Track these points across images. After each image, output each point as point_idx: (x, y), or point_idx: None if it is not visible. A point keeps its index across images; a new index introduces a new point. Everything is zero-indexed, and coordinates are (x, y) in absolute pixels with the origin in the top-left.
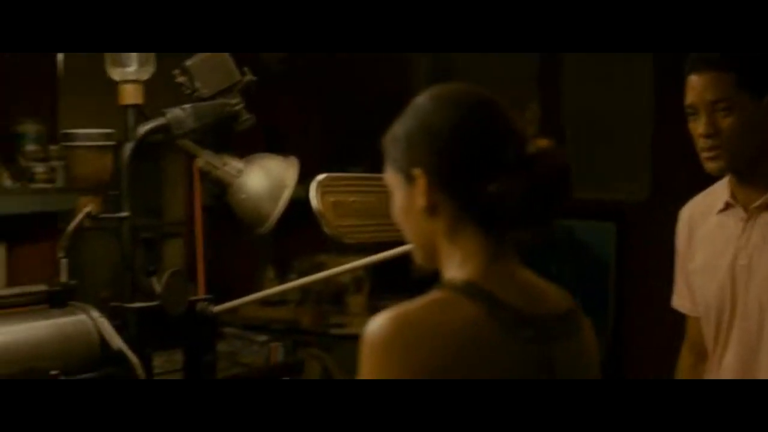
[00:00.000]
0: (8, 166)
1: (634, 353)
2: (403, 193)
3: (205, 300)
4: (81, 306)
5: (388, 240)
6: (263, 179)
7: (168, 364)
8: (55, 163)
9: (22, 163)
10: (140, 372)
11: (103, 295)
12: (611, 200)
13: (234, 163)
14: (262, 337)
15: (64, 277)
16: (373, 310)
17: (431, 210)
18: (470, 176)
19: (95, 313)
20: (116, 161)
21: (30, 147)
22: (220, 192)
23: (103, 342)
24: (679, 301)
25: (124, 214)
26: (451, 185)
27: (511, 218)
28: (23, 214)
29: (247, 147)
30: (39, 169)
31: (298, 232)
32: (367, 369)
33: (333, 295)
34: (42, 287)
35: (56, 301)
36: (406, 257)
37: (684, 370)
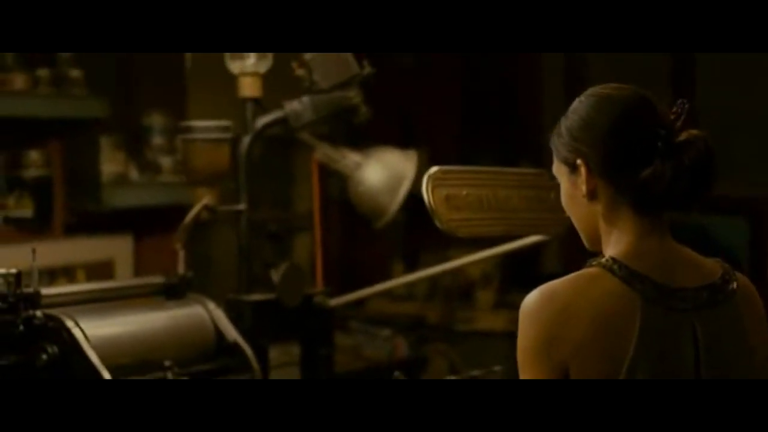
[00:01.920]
0: (135, 158)
1: None
2: (568, 182)
3: (322, 293)
4: (197, 297)
5: (502, 234)
6: (382, 172)
7: (284, 356)
8: (181, 156)
9: (149, 155)
10: (254, 364)
11: (225, 288)
12: (742, 195)
13: (352, 156)
14: (386, 332)
15: (181, 269)
16: (501, 305)
17: (591, 195)
18: (625, 164)
19: (211, 305)
20: (235, 154)
21: (157, 140)
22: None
23: (219, 333)
24: None
25: (242, 206)
26: (608, 173)
27: (661, 200)
28: (150, 206)
29: (380, 140)
30: (165, 161)
31: (429, 226)
32: (519, 337)
33: (461, 290)
34: (159, 279)
35: (173, 292)
36: (535, 251)
37: None
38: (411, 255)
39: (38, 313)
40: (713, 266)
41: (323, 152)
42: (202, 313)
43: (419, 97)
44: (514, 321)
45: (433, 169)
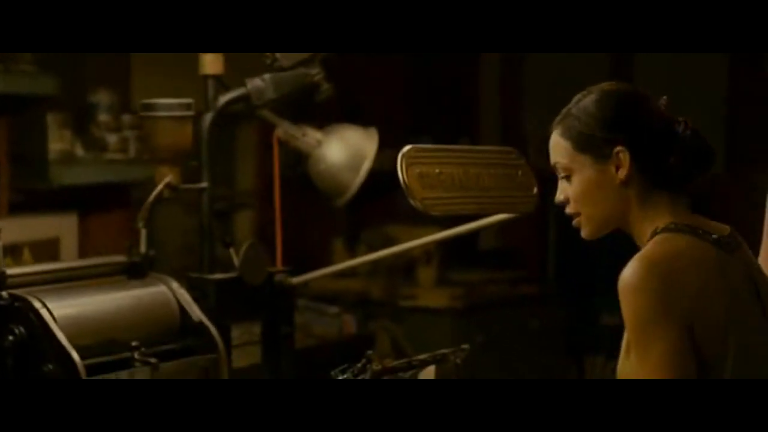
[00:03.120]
0: (81, 136)
1: None
2: (592, 171)
3: (283, 271)
4: (160, 277)
5: (474, 212)
6: (343, 150)
7: (246, 335)
8: (127, 134)
9: (95, 133)
10: (220, 343)
11: (174, 266)
12: None
13: (313, 134)
14: (334, 309)
15: (143, 248)
16: (442, 282)
17: (626, 182)
18: (658, 151)
19: (175, 285)
20: (196, 132)
21: (103, 117)
22: (294, 163)
23: (183, 313)
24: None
25: (204, 184)
26: (646, 158)
27: (687, 179)
28: (95, 184)
29: (325, 118)
30: (112, 139)
31: (369, 204)
32: (633, 312)
33: (403, 267)
34: (121, 258)
35: (136, 271)
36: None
37: None
38: (351, 232)
39: (4, 293)
40: (717, 223)
41: (284, 130)
42: (166, 292)
43: (365, 79)
44: (456, 298)
45: (407, 147)
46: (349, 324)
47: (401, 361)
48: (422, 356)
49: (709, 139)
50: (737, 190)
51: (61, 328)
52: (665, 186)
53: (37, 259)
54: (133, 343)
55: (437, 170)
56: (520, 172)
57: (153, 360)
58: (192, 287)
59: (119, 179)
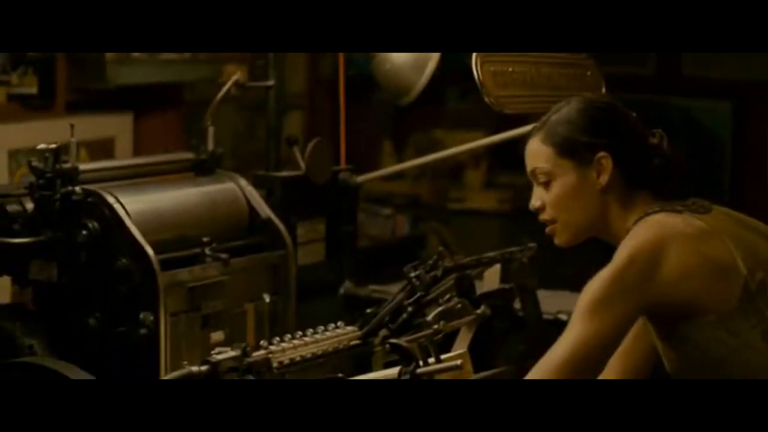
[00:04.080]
0: None
1: None
2: (574, 176)
3: (347, 170)
4: (229, 174)
5: (543, 111)
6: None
7: (311, 233)
8: None
9: None
10: (288, 240)
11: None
12: (727, 78)
13: None
14: (387, 210)
15: (210, 145)
16: (490, 185)
17: (606, 187)
18: (638, 157)
19: (243, 182)
20: None
21: None
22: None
23: (251, 210)
24: None
25: (271, 82)
26: (626, 165)
27: (660, 183)
28: (150, 84)
29: None
30: None
31: (416, 107)
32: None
33: (450, 170)
34: (189, 155)
35: (204, 169)
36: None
37: None
38: (399, 135)
39: (77, 188)
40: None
41: None
42: (235, 189)
43: None
44: (504, 201)
45: None
46: (402, 225)
47: (471, 258)
48: (491, 254)
49: None
50: None
51: (134, 223)
52: (644, 188)
53: (93, 158)
54: (204, 239)
55: (510, 69)
56: (589, 73)
57: (224, 255)
58: (258, 185)
59: (174, 79)
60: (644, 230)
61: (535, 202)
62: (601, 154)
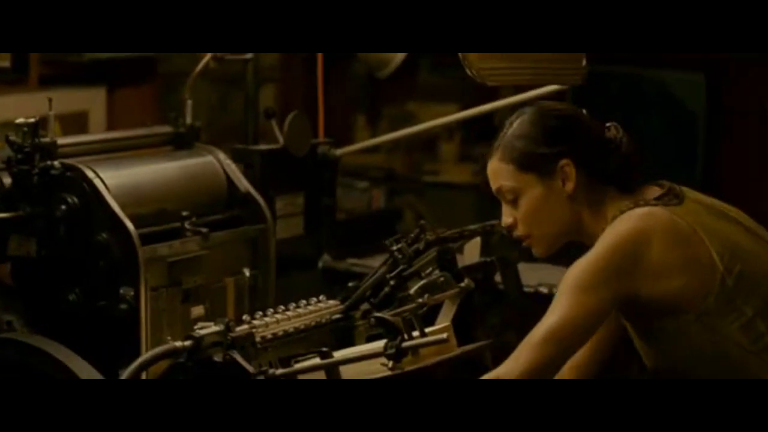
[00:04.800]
0: None
1: None
2: (540, 189)
3: (326, 143)
4: (207, 148)
5: (527, 83)
6: None
7: (290, 207)
8: None
9: None
10: (267, 214)
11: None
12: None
13: None
14: (363, 184)
15: (189, 119)
16: (464, 158)
17: (573, 193)
18: (599, 157)
19: (221, 155)
20: None
21: None
22: None
23: (230, 184)
24: None
25: (250, 55)
26: (591, 166)
27: (625, 176)
28: (123, 57)
29: None
30: None
31: (390, 80)
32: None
33: (424, 142)
34: (168, 129)
35: (182, 142)
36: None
37: None
38: (373, 108)
39: (56, 163)
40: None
41: None
42: (213, 162)
43: None
44: (478, 173)
45: None
46: (378, 198)
47: (453, 231)
48: (472, 227)
49: None
50: None
51: (114, 198)
52: (610, 185)
53: (66, 132)
54: (184, 213)
55: None
56: None
57: (204, 230)
58: (237, 159)
59: (146, 53)
60: (627, 223)
61: (506, 220)
62: (563, 161)
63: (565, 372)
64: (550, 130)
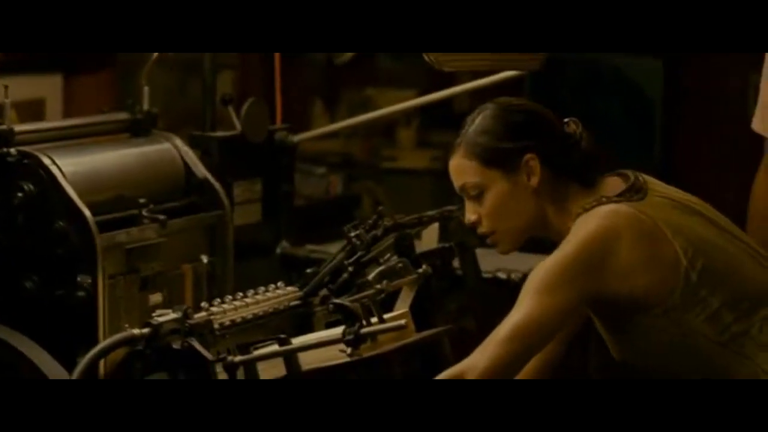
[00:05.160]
0: None
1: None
2: (504, 184)
3: (284, 129)
4: (164, 135)
5: (486, 69)
6: None
7: (247, 193)
8: None
9: None
10: (225, 200)
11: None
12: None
13: None
14: (321, 170)
15: (146, 105)
16: (423, 144)
17: (538, 188)
18: (562, 151)
19: (179, 142)
20: None
21: None
22: None
23: (188, 171)
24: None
25: None
26: (555, 161)
27: (587, 170)
28: None
29: None
30: None
31: (348, 65)
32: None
33: (382, 128)
34: (125, 115)
35: (139, 129)
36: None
37: (761, 195)
38: (330, 94)
39: (12, 150)
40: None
41: None
42: (171, 149)
43: None
44: (436, 159)
45: None
46: (335, 184)
47: (411, 217)
48: (430, 213)
49: None
50: None
51: (71, 185)
52: (573, 179)
53: (22, 120)
54: (141, 200)
55: None
56: None
57: (162, 217)
58: (194, 146)
59: None
60: (592, 222)
61: (471, 216)
62: (528, 156)
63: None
64: (513, 125)
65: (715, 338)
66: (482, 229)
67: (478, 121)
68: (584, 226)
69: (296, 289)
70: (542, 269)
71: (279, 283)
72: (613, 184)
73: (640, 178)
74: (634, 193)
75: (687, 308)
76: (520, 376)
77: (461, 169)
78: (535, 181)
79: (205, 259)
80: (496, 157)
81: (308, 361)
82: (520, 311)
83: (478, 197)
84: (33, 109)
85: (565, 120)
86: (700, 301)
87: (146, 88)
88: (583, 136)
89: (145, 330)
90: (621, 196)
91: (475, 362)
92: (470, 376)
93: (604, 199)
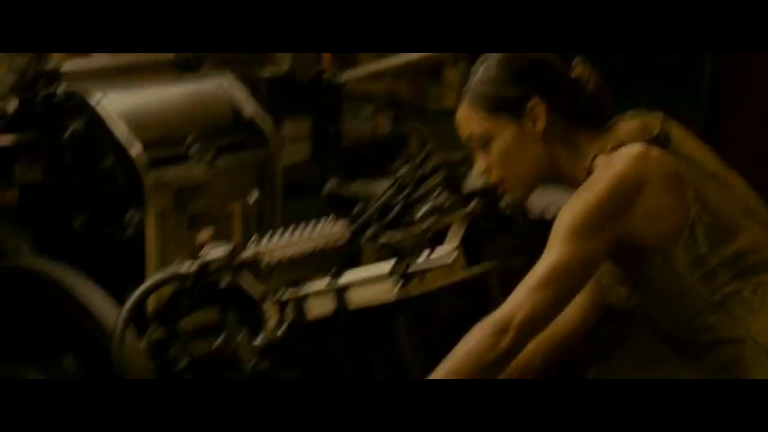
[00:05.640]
0: None
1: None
2: (511, 131)
3: (331, 68)
4: (213, 73)
5: None
6: None
7: (296, 131)
8: None
9: None
10: (273, 138)
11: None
12: None
13: None
14: (368, 109)
15: None
16: None
17: (545, 133)
18: (569, 93)
19: (227, 80)
20: None
21: None
22: None
23: (235, 109)
24: None
25: None
26: (562, 105)
27: (598, 111)
28: None
29: None
30: None
31: None
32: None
33: (430, 68)
34: (171, 54)
35: (188, 67)
36: None
37: None
38: None
39: (59, 89)
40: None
41: None
42: (219, 87)
43: None
44: None
45: None
46: (384, 124)
47: (459, 155)
48: None
49: None
50: None
51: (118, 123)
52: (583, 122)
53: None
54: (189, 138)
55: None
56: None
57: (210, 154)
58: (243, 83)
59: None
60: (624, 160)
61: (481, 166)
62: (533, 101)
63: (545, 337)
64: (517, 71)
65: (708, 298)
66: (492, 178)
67: (482, 70)
68: (612, 168)
69: (345, 224)
70: (572, 211)
71: (330, 217)
72: (626, 126)
73: (667, 123)
74: (660, 136)
75: (686, 263)
76: (538, 343)
77: (467, 119)
78: (540, 126)
79: (253, 197)
80: (500, 104)
81: (356, 299)
82: (550, 257)
83: (486, 146)
84: None
85: (573, 62)
86: (699, 259)
87: None
88: (591, 78)
89: (193, 267)
90: (649, 140)
91: (515, 310)
92: (514, 324)
93: (626, 142)
